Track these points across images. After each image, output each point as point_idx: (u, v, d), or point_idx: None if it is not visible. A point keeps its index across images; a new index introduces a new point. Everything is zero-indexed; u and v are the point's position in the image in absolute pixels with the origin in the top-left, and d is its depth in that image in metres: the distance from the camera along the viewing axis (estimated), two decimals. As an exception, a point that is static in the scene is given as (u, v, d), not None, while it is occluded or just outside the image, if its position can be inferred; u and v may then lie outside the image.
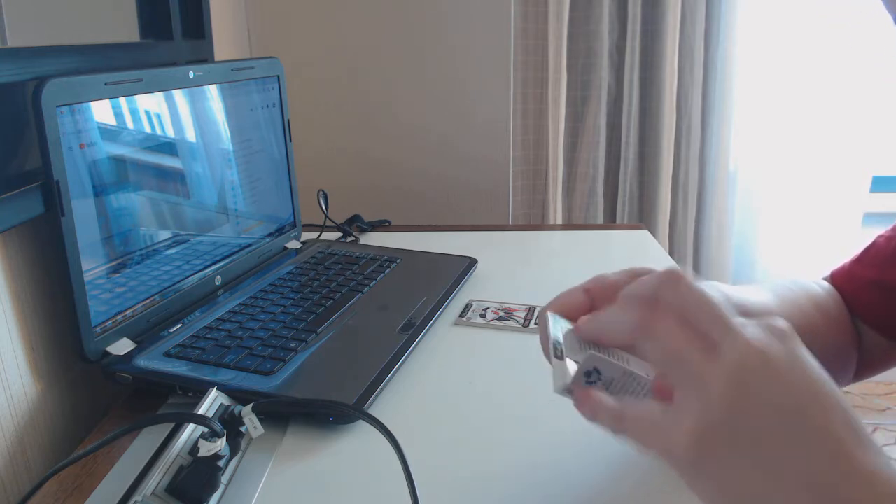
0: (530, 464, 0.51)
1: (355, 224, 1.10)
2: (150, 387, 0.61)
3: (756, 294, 0.56)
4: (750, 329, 0.34)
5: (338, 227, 1.06)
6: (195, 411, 0.49)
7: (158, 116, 0.70)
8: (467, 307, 0.79)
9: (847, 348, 0.61)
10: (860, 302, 0.62)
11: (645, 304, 0.38)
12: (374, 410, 0.57)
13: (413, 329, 0.70)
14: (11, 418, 0.57)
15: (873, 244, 0.63)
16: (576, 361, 0.40)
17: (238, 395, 0.55)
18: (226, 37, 1.11)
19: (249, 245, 0.86)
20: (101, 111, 0.62)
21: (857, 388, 2.14)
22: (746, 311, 0.51)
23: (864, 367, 0.62)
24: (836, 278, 0.64)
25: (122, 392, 0.64)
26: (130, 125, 0.66)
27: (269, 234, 0.91)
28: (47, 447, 0.61)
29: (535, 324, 0.74)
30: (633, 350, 0.41)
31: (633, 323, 0.38)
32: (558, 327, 0.43)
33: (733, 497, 0.33)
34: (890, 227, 0.63)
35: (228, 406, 0.52)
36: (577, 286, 0.46)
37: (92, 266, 0.61)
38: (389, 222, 1.14)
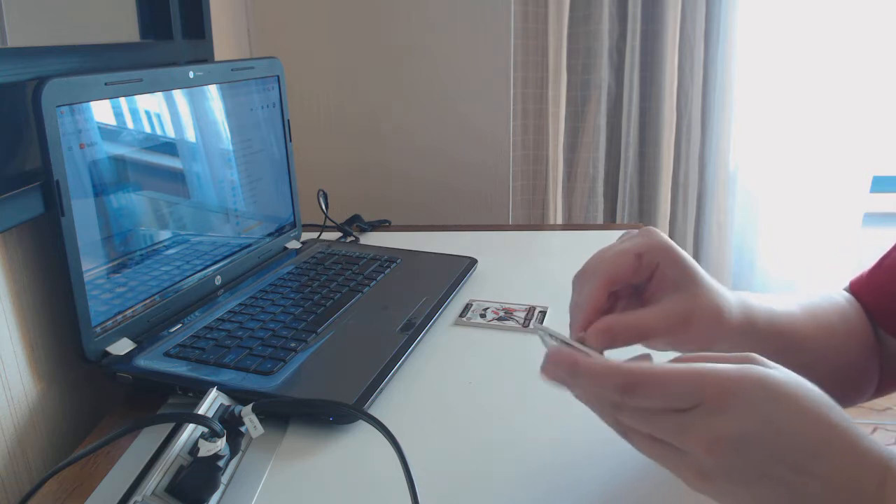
0: (530, 464, 0.51)
1: (355, 224, 1.10)
2: (150, 387, 0.61)
3: (782, 304, 0.55)
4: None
5: (338, 227, 1.06)
6: (195, 411, 0.49)
7: (158, 116, 0.70)
8: (467, 307, 0.79)
9: (870, 361, 0.59)
10: (882, 312, 0.59)
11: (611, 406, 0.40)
12: (374, 410, 0.57)
13: (413, 329, 0.70)
14: (11, 418, 0.57)
15: (894, 250, 0.60)
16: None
17: (238, 395, 0.55)
18: (226, 37, 1.11)
19: (249, 245, 0.86)
20: (101, 111, 0.62)
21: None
22: (773, 320, 0.51)
23: (889, 380, 0.60)
24: (856, 287, 0.62)
25: (122, 392, 0.64)
26: (130, 125, 0.66)
27: (269, 234, 0.91)
28: (47, 447, 0.61)
29: (532, 324, 0.74)
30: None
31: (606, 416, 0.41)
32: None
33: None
34: None
35: (228, 406, 0.52)
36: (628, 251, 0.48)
37: (92, 266, 0.61)
38: (389, 222, 1.14)
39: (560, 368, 0.40)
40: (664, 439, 0.38)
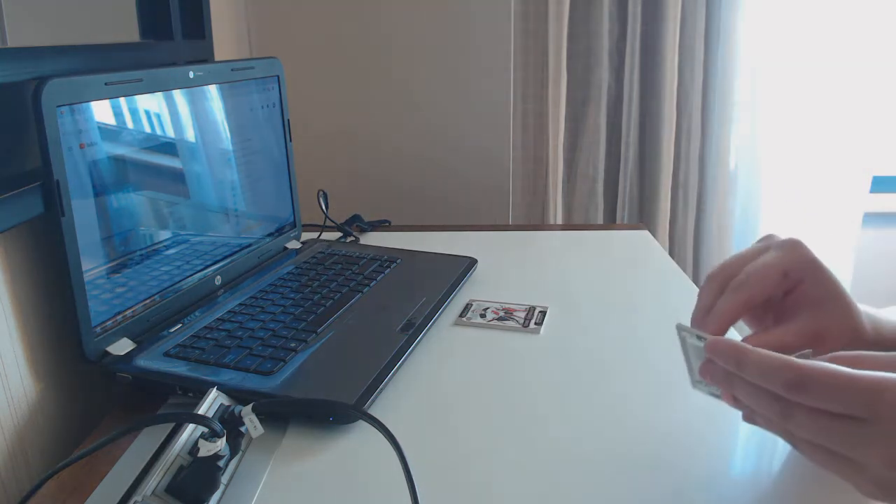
0: (529, 464, 0.51)
1: (355, 224, 1.10)
2: (150, 387, 0.61)
3: None
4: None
5: (338, 227, 1.06)
6: (195, 411, 0.49)
7: (158, 116, 0.70)
8: (467, 307, 0.79)
9: None
10: None
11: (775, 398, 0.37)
12: (374, 410, 0.57)
13: (413, 329, 0.70)
14: (11, 418, 0.57)
15: None
16: None
17: (238, 395, 0.55)
18: (226, 37, 1.11)
19: (249, 245, 0.86)
20: (101, 111, 0.62)
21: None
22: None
23: None
24: None
25: (122, 392, 0.64)
26: (130, 125, 0.66)
27: (269, 234, 0.91)
28: (47, 447, 0.61)
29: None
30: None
31: (770, 413, 0.38)
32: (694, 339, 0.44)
33: None
34: None
35: (228, 406, 0.52)
36: (708, 290, 0.47)
37: (92, 266, 0.61)
38: (389, 222, 1.14)
39: (724, 358, 0.38)
40: (839, 450, 0.35)
